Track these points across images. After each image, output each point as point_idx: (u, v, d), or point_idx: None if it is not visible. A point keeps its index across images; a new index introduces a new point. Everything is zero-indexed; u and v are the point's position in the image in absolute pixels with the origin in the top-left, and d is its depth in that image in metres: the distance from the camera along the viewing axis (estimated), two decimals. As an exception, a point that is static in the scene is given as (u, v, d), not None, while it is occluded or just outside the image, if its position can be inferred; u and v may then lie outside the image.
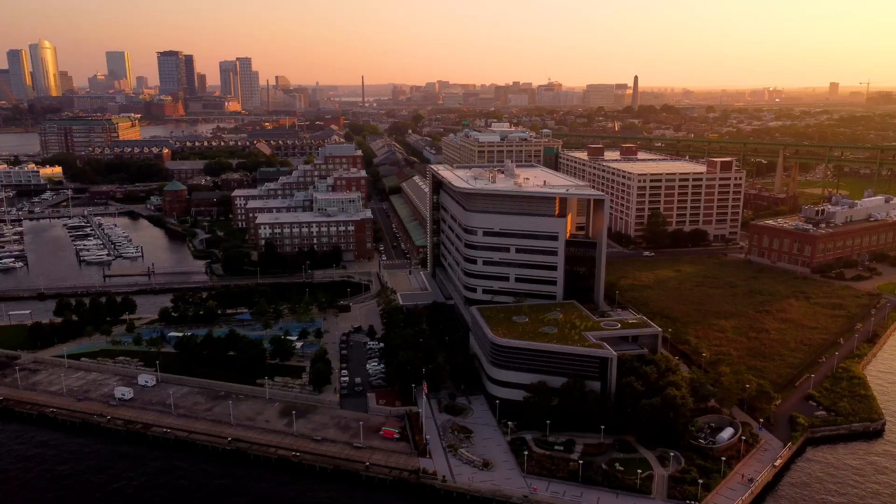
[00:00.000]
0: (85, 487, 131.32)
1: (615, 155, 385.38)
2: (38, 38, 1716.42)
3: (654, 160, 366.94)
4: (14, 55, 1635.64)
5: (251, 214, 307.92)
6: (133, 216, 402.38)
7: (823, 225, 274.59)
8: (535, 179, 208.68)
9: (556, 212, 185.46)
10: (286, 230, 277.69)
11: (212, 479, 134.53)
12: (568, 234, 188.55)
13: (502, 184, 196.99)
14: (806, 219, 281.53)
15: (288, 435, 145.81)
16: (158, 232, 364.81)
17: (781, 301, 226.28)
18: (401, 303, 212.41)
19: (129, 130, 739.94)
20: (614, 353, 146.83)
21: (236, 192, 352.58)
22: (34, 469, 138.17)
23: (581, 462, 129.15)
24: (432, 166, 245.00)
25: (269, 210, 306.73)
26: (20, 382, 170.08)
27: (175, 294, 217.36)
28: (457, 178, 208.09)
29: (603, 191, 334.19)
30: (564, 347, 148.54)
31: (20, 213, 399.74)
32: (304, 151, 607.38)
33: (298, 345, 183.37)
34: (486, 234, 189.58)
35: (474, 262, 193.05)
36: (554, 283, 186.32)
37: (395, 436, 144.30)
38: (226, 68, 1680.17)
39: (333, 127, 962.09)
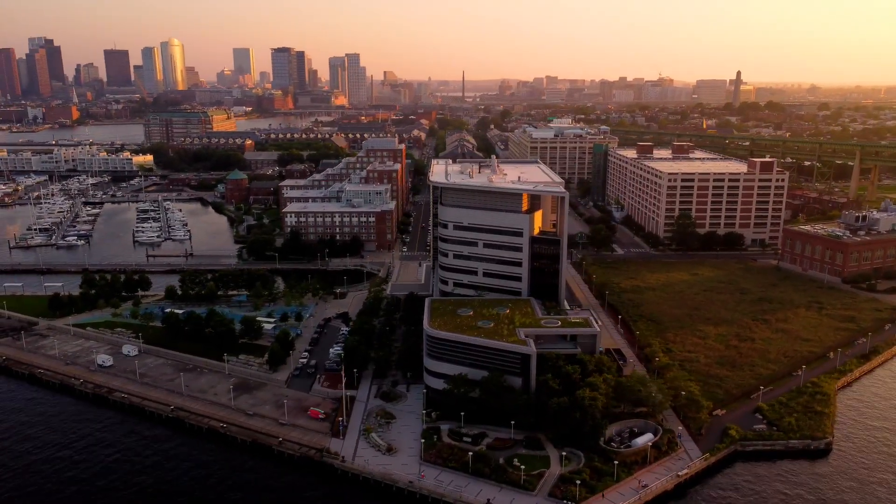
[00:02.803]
0: (40, 438, 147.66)
1: (666, 153, 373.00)
2: (168, 37, 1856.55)
3: (706, 159, 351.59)
4: (147, 53, 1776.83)
5: (289, 203, 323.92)
6: (204, 203, 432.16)
7: (863, 232, 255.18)
8: (524, 176, 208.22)
9: (524, 208, 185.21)
10: (310, 219, 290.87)
11: (150, 441, 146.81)
12: (537, 231, 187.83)
13: (478, 179, 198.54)
14: (846, 225, 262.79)
15: (226, 408, 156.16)
16: (218, 217, 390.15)
17: (788, 310, 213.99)
18: (388, 292, 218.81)
19: (224, 122, 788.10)
20: (534, 349, 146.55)
21: (284, 182, 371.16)
22: (6, 420, 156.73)
23: (471, 454, 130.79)
24: (434, 160, 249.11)
25: (305, 200, 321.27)
26: (26, 345, 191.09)
27: (182, 274, 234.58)
28: (440, 172, 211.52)
29: (638, 190, 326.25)
30: (487, 341, 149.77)
31: (104, 196, 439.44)
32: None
33: (269, 326, 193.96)
34: (455, 227, 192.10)
35: (446, 255, 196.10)
36: (519, 279, 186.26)
37: (321, 416, 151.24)
38: (335, 64, 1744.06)
39: (423, 122, 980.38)
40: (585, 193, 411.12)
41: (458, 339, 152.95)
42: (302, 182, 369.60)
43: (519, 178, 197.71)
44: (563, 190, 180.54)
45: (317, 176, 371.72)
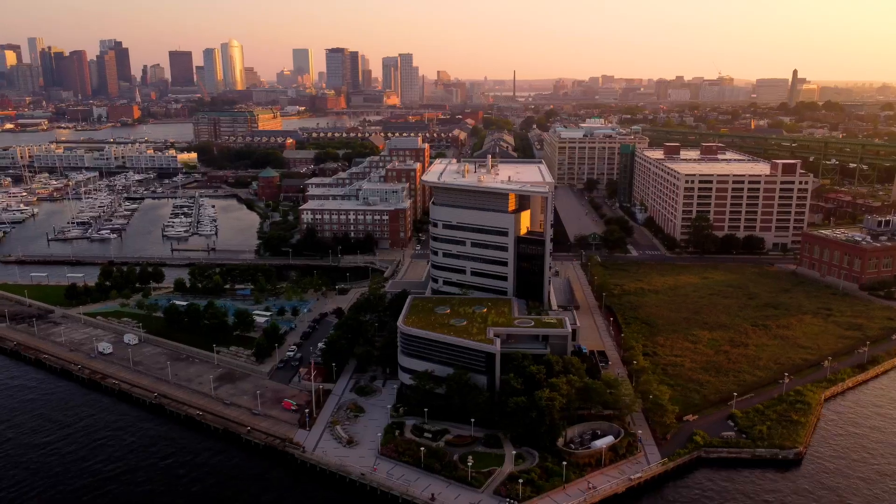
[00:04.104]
0: (29, 415, 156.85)
1: (695, 153, 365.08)
2: (230, 38, 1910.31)
3: (732, 161, 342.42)
4: (208, 54, 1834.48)
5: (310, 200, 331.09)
6: (239, 199, 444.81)
7: (885, 238, 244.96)
8: (518, 176, 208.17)
9: (511, 208, 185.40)
10: (326, 216, 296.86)
11: (130, 424, 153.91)
12: (524, 231, 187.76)
13: (469, 178, 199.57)
14: (867, 230, 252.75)
15: (206, 397, 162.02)
16: (248, 214, 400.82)
17: (793, 317, 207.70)
18: (387, 289, 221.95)
19: (270, 122, 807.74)
20: (498, 348, 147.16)
21: (310, 180, 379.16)
22: (6, 394, 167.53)
23: (423, 449, 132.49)
24: (438, 160, 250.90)
25: (325, 198, 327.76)
26: (38, 332, 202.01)
27: (192, 269, 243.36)
28: (435, 171, 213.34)
29: (659, 191, 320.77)
30: (454, 339, 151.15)
31: (144, 192, 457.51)
32: (435, 145, 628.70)
33: (262, 319, 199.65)
34: (445, 226, 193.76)
35: (436, 253, 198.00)
36: (505, 278, 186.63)
37: (293, 407, 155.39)
38: (388, 64, 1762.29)
39: (469, 121, 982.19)
40: (612, 194, 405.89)
41: (428, 336, 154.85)
42: (328, 180, 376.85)
43: (509, 178, 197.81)
44: (547, 190, 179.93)
45: (342, 174, 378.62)
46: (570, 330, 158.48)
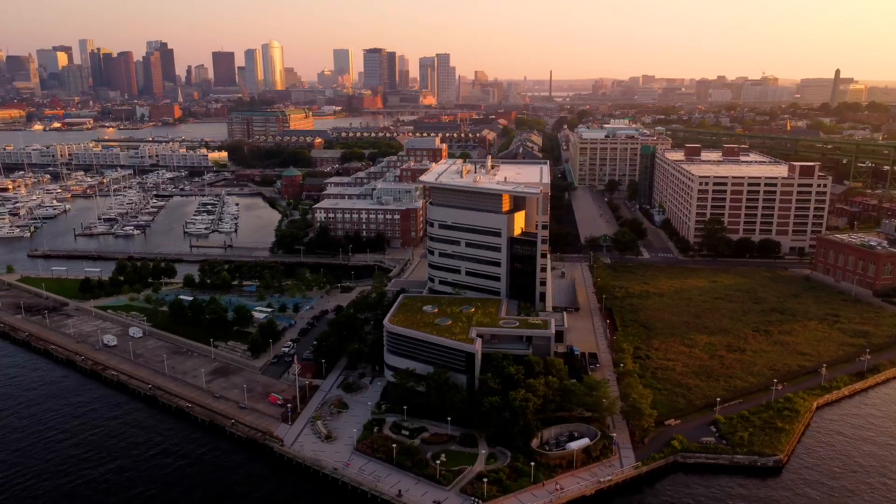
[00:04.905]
0: (27, 401, 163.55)
1: (716, 155, 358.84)
2: (270, 39, 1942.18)
3: (755, 163, 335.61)
4: (249, 54, 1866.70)
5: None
6: (264, 197, 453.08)
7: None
8: (518, 177, 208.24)
9: (505, 209, 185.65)
10: (339, 215, 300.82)
11: (121, 413, 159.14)
12: (518, 232, 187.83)
13: (467, 179, 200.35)
14: (885, 234, 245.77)
15: (198, 390, 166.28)
16: (271, 212, 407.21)
17: (797, 322, 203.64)
18: (388, 288, 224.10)
19: (302, 121, 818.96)
20: (477, 348, 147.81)
21: (329, 179, 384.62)
22: (11, 384, 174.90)
23: (395, 446, 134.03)
24: (443, 160, 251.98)
25: (341, 197, 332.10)
26: (50, 324, 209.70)
27: (202, 265, 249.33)
28: (435, 171, 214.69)
29: (675, 193, 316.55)
30: (435, 338, 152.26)
31: (173, 189, 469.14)
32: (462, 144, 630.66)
33: (261, 315, 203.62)
34: (440, 226, 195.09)
35: (432, 253, 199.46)
36: (498, 279, 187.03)
37: (279, 402, 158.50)
38: (425, 64, 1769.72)
39: (502, 121, 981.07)
40: (633, 195, 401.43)
41: (411, 334, 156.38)
42: (346, 179, 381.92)
43: (505, 178, 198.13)
44: (539, 192, 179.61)
45: (360, 174, 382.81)
46: (554, 331, 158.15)
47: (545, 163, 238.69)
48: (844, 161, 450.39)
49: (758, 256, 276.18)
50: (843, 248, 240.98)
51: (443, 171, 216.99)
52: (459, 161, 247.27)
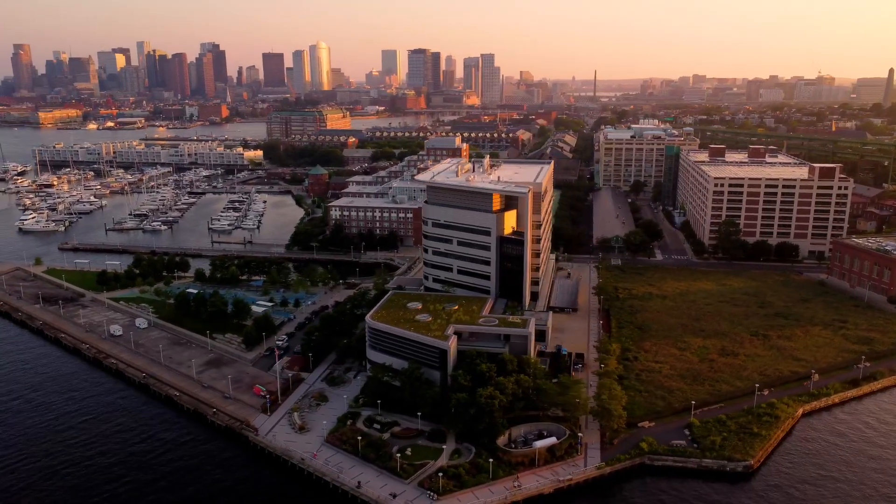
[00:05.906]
0: (31, 385, 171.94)
1: (741, 157, 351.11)
2: (317, 40, 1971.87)
3: (780, 164, 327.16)
4: (297, 55, 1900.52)
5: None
6: (292, 195, 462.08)
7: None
8: (516, 176, 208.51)
9: (496, 208, 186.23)
10: (353, 213, 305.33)
11: (114, 399, 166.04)
12: (509, 231, 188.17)
13: (461, 178, 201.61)
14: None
15: (189, 379, 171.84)
16: (296, 210, 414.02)
17: (800, 327, 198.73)
18: (389, 285, 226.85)
19: (339, 121, 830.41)
20: (450, 345, 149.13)
21: (351, 178, 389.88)
22: (18, 368, 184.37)
23: (359, 438, 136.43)
24: (445, 160, 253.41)
25: (359, 195, 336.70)
26: (63, 314, 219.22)
27: (213, 260, 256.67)
28: (432, 170, 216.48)
29: (694, 195, 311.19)
30: (411, 334, 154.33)
31: (206, 187, 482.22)
32: (494, 144, 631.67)
33: (260, 309, 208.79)
34: (434, 224, 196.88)
35: (427, 251, 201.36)
36: (488, 277, 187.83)
37: (262, 393, 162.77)
38: (469, 64, 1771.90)
39: (541, 122, 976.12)
40: (658, 197, 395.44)
41: (390, 330, 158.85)
42: (368, 178, 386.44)
43: (499, 178, 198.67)
44: (527, 191, 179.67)
45: (382, 173, 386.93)
46: (534, 331, 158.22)
47: (548, 163, 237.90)
48: (885, 163, 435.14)
49: (775, 260, 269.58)
50: (860, 253, 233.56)
51: (441, 171, 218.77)
52: (462, 160, 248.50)
